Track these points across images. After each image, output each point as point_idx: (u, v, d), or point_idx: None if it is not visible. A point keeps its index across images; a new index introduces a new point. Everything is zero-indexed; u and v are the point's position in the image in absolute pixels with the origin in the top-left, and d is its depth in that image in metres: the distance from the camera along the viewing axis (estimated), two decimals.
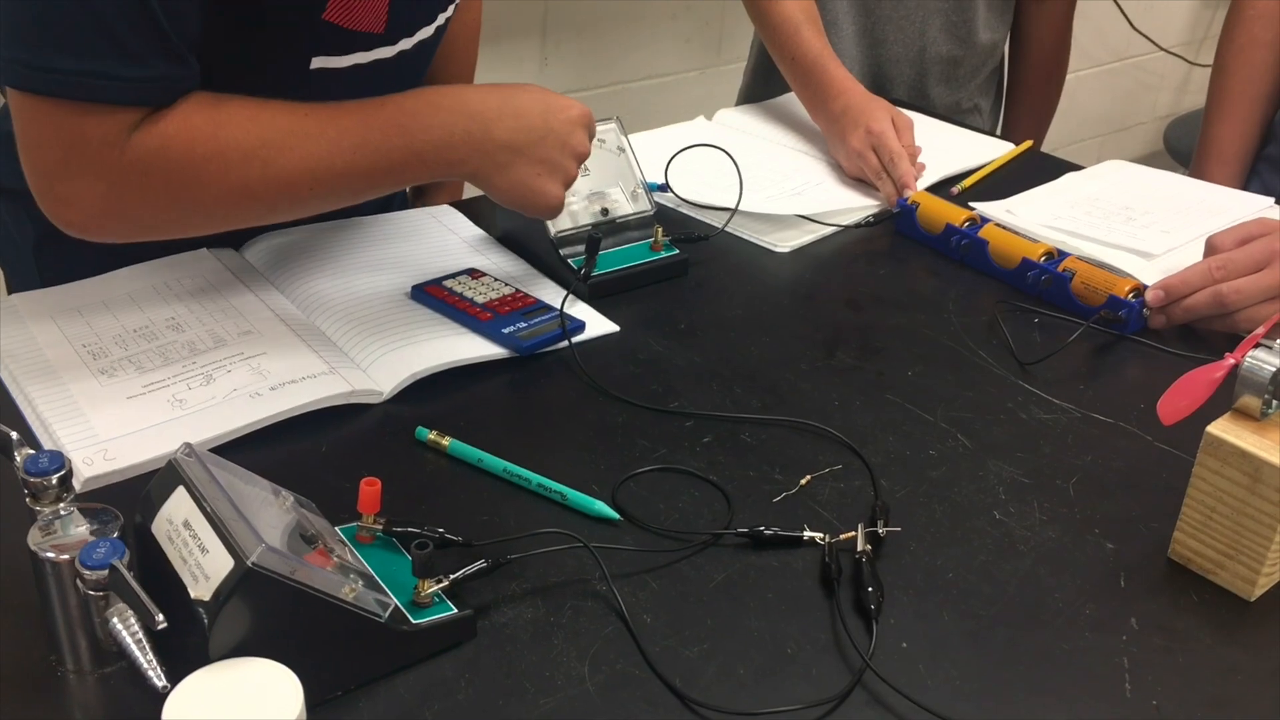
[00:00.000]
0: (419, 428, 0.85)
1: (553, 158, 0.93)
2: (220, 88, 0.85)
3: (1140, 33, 3.15)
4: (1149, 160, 1.45)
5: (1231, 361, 0.74)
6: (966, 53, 1.61)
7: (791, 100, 1.48)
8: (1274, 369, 0.71)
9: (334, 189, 0.88)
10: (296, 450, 0.83)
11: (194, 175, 0.83)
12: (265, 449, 0.83)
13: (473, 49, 1.33)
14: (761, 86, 1.65)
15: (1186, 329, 1.03)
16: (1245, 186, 1.41)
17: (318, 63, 0.94)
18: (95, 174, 0.81)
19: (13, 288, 1.13)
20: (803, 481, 0.83)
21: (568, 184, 0.96)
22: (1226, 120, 1.42)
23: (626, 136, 1.12)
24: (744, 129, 1.45)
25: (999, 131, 1.73)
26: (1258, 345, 0.74)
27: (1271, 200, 1.24)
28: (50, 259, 1.06)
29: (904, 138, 1.27)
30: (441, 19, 1.04)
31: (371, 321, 0.96)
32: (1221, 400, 0.75)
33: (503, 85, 0.94)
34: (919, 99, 1.61)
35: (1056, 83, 1.73)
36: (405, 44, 0.99)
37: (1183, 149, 2.88)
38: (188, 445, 0.68)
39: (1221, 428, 0.73)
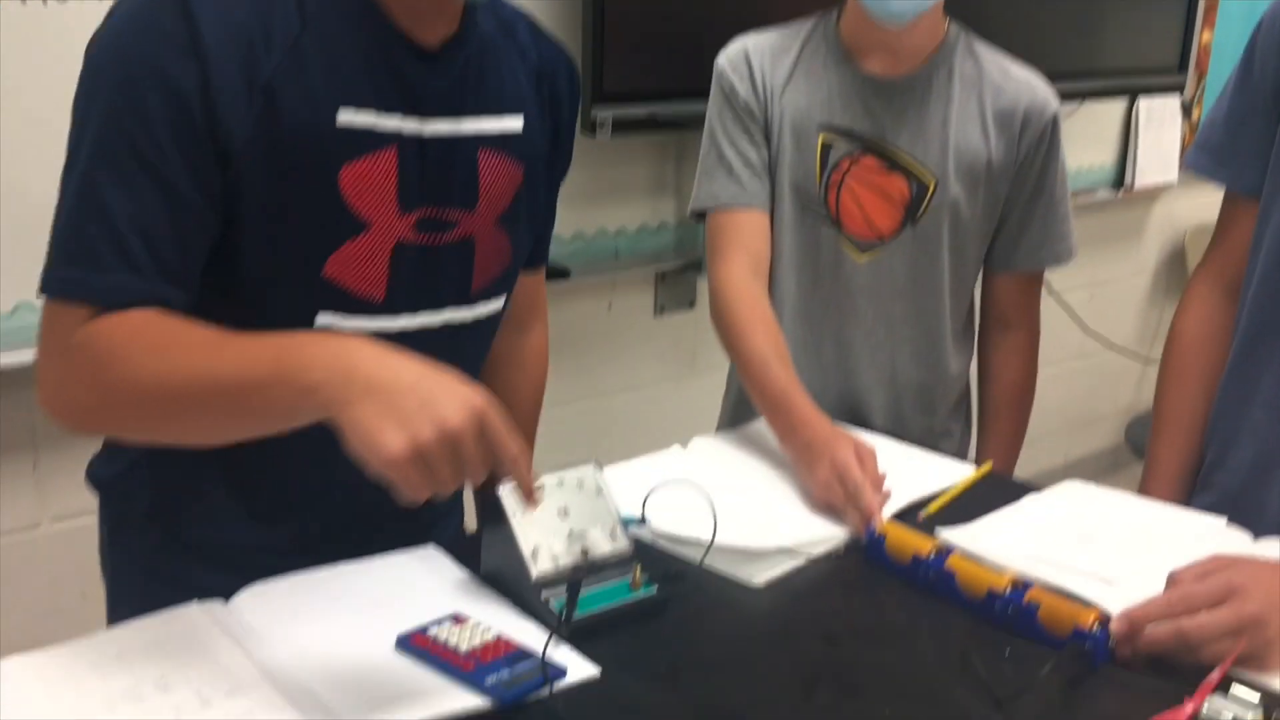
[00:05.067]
0: None
1: (405, 411, 0.87)
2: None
3: (1093, 334, 3.31)
4: (1113, 456, 1.51)
5: (1190, 708, 0.77)
6: (937, 379, 1.68)
7: (764, 428, 1.56)
8: (1230, 717, 0.74)
9: (213, 396, 0.97)
10: None
11: (107, 360, 0.99)
12: None
13: (531, 408, 1.44)
14: (748, 412, 1.66)
15: (1157, 656, 1.05)
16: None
17: (323, 319, 1.07)
18: (56, 355, 1.01)
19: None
20: None
21: (416, 447, 0.87)
22: (1167, 445, 1.50)
23: (603, 477, 1.17)
24: (718, 458, 1.50)
25: (972, 457, 1.77)
26: (1215, 689, 0.77)
27: (1224, 521, 1.29)
28: (116, 550, 1.24)
29: (867, 466, 1.33)
30: (451, 317, 1.14)
31: (357, 677, 0.98)
32: None
33: (407, 355, 0.92)
34: (895, 424, 1.67)
35: (1023, 410, 1.76)
36: (406, 322, 1.10)
37: (1144, 446, 2.96)
38: None
39: None
